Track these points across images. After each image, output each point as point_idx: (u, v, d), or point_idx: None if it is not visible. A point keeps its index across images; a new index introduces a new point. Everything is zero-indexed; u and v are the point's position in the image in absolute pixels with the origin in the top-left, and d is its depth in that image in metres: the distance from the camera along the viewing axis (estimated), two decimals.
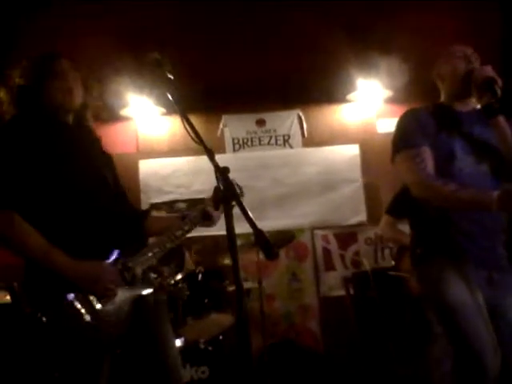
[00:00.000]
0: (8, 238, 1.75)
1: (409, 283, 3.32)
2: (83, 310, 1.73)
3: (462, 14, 3.83)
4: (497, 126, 2.13)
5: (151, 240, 2.13)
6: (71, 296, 1.73)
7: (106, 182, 2.00)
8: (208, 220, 2.11)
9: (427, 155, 2.11)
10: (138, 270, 1.89)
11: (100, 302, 1.76)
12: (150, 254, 1.95)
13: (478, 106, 2.22)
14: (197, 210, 2.12)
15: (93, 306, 1.74)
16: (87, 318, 1.72)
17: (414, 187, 2.15)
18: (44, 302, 1.73)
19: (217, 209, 1.98)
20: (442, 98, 2.31)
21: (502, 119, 2.13)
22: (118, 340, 1.78)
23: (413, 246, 2.30)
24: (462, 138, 2.16)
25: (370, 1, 3.73)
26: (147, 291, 1.91)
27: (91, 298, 1.75)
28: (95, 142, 2.11)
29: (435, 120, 2.18)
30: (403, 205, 3.54)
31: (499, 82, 2.09)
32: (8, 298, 3.42)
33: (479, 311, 2.01)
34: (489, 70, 2.13)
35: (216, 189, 2.02)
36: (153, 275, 1.99)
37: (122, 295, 1.81)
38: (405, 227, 3.48)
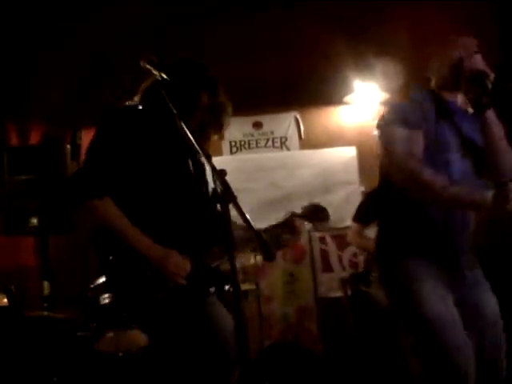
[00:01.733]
0: (106, 222, 1.89)
1: (376, 297, 3.34)
2: (156, 286, 1.86)
3: (460, 15, 3.86)
4: (484, 121, 2.03)
5: None
6: (148, 272, 1.86)
7: (201, 189, 2.08)
8: (291, 230, 2.25)
9: (420, 140, 1.97)
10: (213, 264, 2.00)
11: (170, 283, 1.87)
12: (224, 256, 2.01)
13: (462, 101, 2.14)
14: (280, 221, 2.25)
15: (165, 284, 1.86)
16: (159, 292, 1.85)
17: (396, 171, 1.98)
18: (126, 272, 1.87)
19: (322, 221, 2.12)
20: (432, 86, 2.19)
21: (491, 115, 2.03)
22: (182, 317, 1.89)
23: (381, 246, 2.18)
24: (454, 130, 2.07)
25: (367, 3, 3.75)
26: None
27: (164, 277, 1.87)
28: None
29: (435, 107, 2.07)
30: (369, 210, 3.62)
31: (491, 75, 1.99)
32: (5, 301, 3.41)
33: (455, 320, 1.94)
34: (479, 62, 2.01)
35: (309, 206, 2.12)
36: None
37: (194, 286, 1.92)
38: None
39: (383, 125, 2.10)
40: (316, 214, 2.19)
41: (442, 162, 2.01)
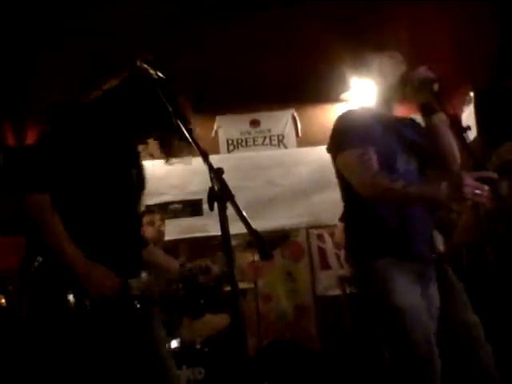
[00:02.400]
0: (38, 221, 1.78)
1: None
2: (75, 305, 1.77)
3: (458, 13, 3.85)
4: (433, 124, 2.18)
5: None
6: (68, 291, 1.77)
7: (136, 201, 2.04)
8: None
9: (372, 154, 2.09)
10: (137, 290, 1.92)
11: (91, 302, 1.79)
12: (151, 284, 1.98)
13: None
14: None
15: (85, 304, 1.78)
16: (77, 313, 1.76)
17: (362, 187, 2.10)
18: (42, 294, 1.78)
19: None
20: (376, 101, 2.36)
21: (440, 117, 2.16)
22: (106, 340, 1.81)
23: (350, 248, 2.27)
24: (397, 138, 2.20)
25: (366, 2, 3.74)
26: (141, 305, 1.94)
27: (86, 296, 1.78)
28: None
29: (376, 121, 2.20)
30: None
31: (436, 81, 2.11)
32: (3, 301, 3.41)
33: (425, 313, 2.03)
34: (425, 70, 2.15)
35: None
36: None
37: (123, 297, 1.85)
38: None
39: (335, 151, 2.24)
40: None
41: (392, 170, 2.12)
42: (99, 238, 1.85)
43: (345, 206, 2.36)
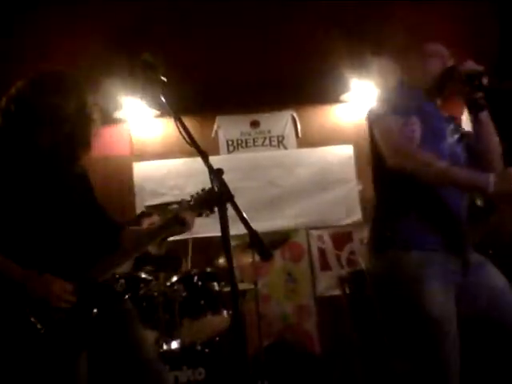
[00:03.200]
0: None
1: None
2: (38, 323, 1.73)
3: (457, 13, 3.85)
4: (480, 121, 2.03)
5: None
6: (25, 308, 1.74)
7: (72, 203, 1.95)
8: (182, 225, 2.05)
9: (417, 127, 1.92)
10: (101, 278, 1.89)
11: (53, 313, 1.76)
12: (114, 264, 1.94)
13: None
14: (168, 218, 2.08)
15: (47, 317, 1.75)
16: (41, 329, 1.73)
17: (394, 156, 1.89)
18: None
19: (212, 211, 1.98)
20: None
21: (485, 115, 2.03)
22: (80, 346, 1.79)
23: (380, 235, 2.03)
24: (443, 123, 2.06)
25: (364, 2, 3.74)
26: (110, 301, 1.91)
27: (45, 309, 1.75)
28: (68, 166, 2.04)
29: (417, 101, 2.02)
30: None
31: (485, 75, 1.97)
32: None
33: (452, 322, 1.86)
34: (473, 64, 1.99)
35: (197, 197, 2.05)
36: (121, 282, 1.99)
37: (79, 306, 1.81)
38: None
39: (376, 116, 2.04)
40: (204, 203, 2.07)
41: (437, 150, 1.94)
42: (43, 254, 1.81)
43: (376, 192, 2.15)
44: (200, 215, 2.08)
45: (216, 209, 1.57)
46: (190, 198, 2.12)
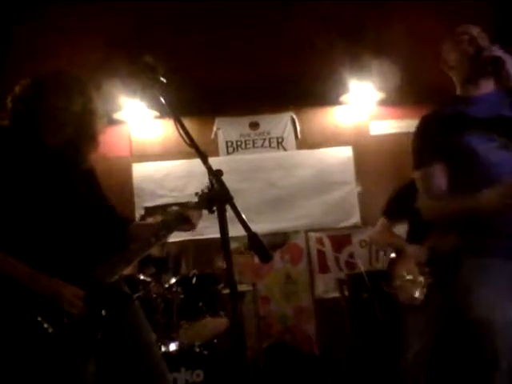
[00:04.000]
0: None
1: (398, 298, 3.25)
2: (47, 324, 1.72)
3: (456, 15, 3.85)
4: None
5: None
6: (35, 311, 1.72)
7: (78, 200, 1.94)
8: (187, 224, 2.06)
9: (437, 172, 1.96)
10: (110, 280, 1.87)
11: (62, 315, 1.74)
12: (122, 263, 1.92)
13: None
14: (173, 215, 2.09)
15: (56, 319, 1.73)
16: (50, 330, 1.71)
17: (421, 211, 2.02)
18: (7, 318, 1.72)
19: (211, 211, 1.97)
20: (457, 88, 2.12)
21: None
22: (90, 350, 1.78)
23: (446, 241, 1.99)
24: (481, 125, 1.95)
25: (363, 3, 3.74)
26: (119, 302, 1.90)
27: (54, 311, 1.74)
28: (76, 163, 2.04)
29: (447, 124, 1.98)
30: (399, 206, 3.49)
31: (508, 62, 1.97)
32: None
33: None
34: (496, 50, 2.00)
35: (202, 195, 2.04)
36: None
37: (90, 308, 1.80)
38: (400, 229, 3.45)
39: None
40: (212, 201, 2.08)
41: (479, 169, 1.90)
42: (51, 255, 1.79)
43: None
44: (210, 211, 2.08)
45: (215, 210, 1.57)
46: (195, 195, 2.12)
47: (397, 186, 3.41)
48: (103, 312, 1.81)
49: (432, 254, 2.11)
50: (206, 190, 2.06)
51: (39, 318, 1.71)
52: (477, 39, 2.06)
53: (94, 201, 2.01)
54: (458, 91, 2.12)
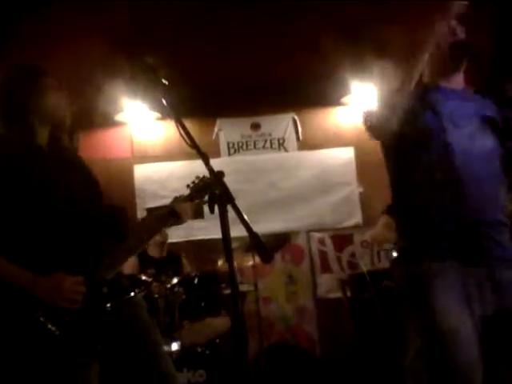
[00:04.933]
0: None
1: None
2: (50, 325, 1.72)
3: (459, 16, 3.85)
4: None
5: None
6: (37, 312, 1.73)
7: (71, 199, 1.94)
8: (176, 218, 2.08)
9: None
10: (107, 277, 1.88)
11: (66, 314, 1.75)
12: (118, 260, 1.94)
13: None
14: (165, 209, 2.12)
15: (61, 319, 1.74)
16: (55, 331, 1.72)
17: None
18: (9, 322, 1.73)
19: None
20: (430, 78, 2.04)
21: None
22: (92, 349, 1.78)
23: (399, 247, 1.97)
24: (455, 111, 1.90)
25: (365, 4, 3.74)
26: (121, 298, 1.90)
27: (56, 311, 1.74)
28: (67, 157, 2.04)
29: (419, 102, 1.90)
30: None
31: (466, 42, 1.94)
32: None
33: (471, 336, 1.69)
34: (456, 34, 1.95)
35: (193, 186, 2.19)
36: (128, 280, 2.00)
37: (93, 305, 1.80)
38: None
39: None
40: (199, 191, 2.18)
41: (440, 147, 1.83)
42: (49, 255, 1.80)
43: (392, 196, 2.03)
44: (200, 203, 2.13)
45: (217, 211, 1.57)
46: (187, 187, 2.24)
47: None
48: (108, 306, 1.83)
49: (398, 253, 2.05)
50: (196, 181, 2.20)
51: (44, 321, 1.72)
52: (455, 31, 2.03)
53: (90, 199, 2.01)
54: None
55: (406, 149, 1.89)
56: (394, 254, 3.36)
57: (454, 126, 1.85)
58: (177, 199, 2.17)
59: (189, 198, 2.16)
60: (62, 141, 2.01)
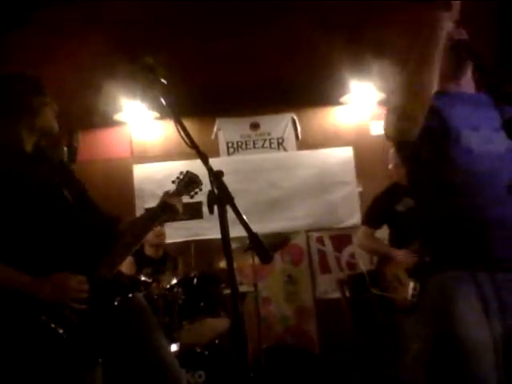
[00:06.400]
0: None
1: (394, 301, 3.27)
2: (58, 328, 1.72)
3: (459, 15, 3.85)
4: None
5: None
6: (43, 315, 1.72)
7: (64, 202, 1.95)
8: (169, 211, 2.14)
9: None
10: (109, 275, 1.88)
11: (73, 315, 1.75)
12: (117, 258, 1.95)
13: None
14: (157, 205, 2.18)
15: (68, 322, 1.73)
16: (63, 334, 1.71)
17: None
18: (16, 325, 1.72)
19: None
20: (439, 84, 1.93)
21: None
22: (100, 350, 1.78)
23: (420, 255, 2.04)
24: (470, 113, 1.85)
25: (364, 3, 3.74)
26: (124, 297, 1.90)
27: (61, 313, 1.74)
28: (54, 165, 2.06)
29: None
30: (378, 214, 3.62)
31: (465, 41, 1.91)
32: None
33: (486, 347, 1.65)
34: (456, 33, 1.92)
35: (180, 182, 2.22)
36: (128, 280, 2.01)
37: (99, 304, 1.80)
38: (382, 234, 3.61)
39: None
40: (188, 185, 2.25)
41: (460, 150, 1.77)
42: (52, 257, 1.80)
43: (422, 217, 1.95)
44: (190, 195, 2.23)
45: (216, 211, 1.57)
46: (172, 183, 2.28)
47: (373, 196, 3.66)
48: (116, 301, 1.84)
49: (417, 263, 2.03)
50: (181, 177, 2.27)
51: (51, 324, 1.71)
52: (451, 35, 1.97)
53: (78, 200, 2.01)
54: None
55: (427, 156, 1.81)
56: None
57: (471, 130, 1.80)
58: (165, 195, 2.21)
59: (177, 193, 2.21)
60: (45, 151, 2.03)
